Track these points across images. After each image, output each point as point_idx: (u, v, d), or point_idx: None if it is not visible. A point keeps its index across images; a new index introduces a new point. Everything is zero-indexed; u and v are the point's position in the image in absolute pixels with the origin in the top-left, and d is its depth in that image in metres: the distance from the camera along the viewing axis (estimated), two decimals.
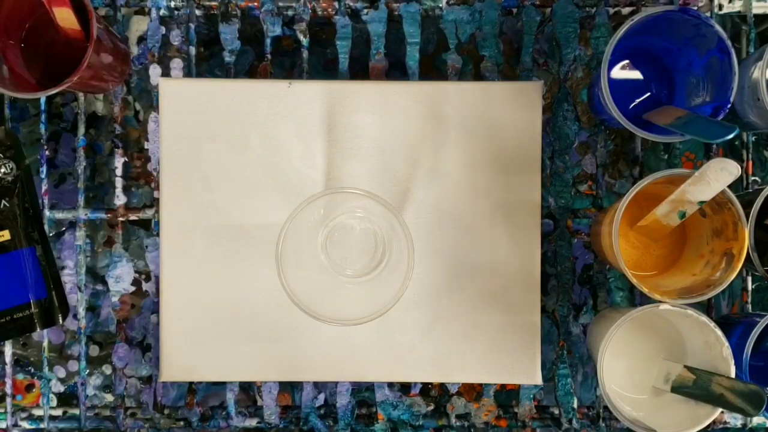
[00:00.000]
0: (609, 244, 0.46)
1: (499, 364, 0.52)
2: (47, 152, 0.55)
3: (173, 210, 0.52)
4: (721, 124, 0.42)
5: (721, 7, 0.55)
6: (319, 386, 0.56)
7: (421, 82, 0.53)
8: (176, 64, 0.55)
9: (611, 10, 0.54)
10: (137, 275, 0.56)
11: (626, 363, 0.49)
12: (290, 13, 0.55)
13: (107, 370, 0.59)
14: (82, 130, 0.55)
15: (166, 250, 0.52)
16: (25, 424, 0.55)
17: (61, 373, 0.59)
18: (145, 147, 0.54)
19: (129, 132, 0.58)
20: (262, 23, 0.55)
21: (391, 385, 0.55)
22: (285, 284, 0.44)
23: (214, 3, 0.54)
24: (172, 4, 0.54)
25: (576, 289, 0.57)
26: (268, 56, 0.55)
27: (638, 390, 0.48)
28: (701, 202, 0.44)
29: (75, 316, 0.55)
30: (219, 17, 0.55)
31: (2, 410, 0.55)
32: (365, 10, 0.54)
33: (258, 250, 0.52)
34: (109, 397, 0.59)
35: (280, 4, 0.54)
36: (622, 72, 0.52)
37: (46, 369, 0.55)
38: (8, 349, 0.55)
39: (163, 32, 0.55)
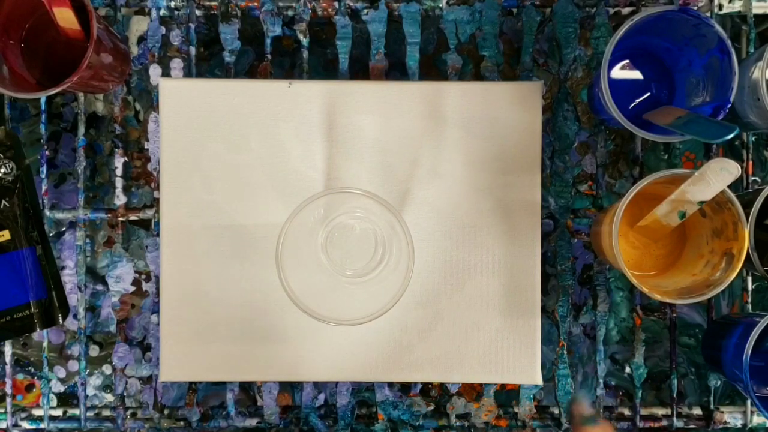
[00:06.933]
0: (609, 244, 0.46)
1: (499, 364, 0.52)
2: (47, 152, 0.55)
3: (173, 210, 0.52)
4: (721, 124, 0.42)
5: (721, 7, 0.55)
6: (319, 386, 0.56)
7: (421, 82, 0.53)
8: (176, 64, 0.55)
9: (611, 10, 0.54)
10: (137, 275, 0.56)
11: None
12: (290, 13, 0.55)
13: (107, 370, 0.59)
14: (82, 130, 0.55)
15: (166, 250, 0.52)
16: (25, 424, 0.55)
17: (61, 373, 0.59)
18: (145, 147, 0.54)
19: (129, 132, 0.58)
20: (262, 23, 0.55)
21: (391, 385, 0.55)
22: (285, 284, 0.44)
23: (214, 3, 0.54)
24: (172, 4, 0.54)
25: (576, 289, 0.57)
26: (268, 56, 0.55)
27: None
28: (701, 202, 0.44)
29: (75, 316, 0.55)
30: (219, 17, 0.55)
31: (2, 410, 0.55)
32: (365, 10, 0.54)
33: (258, 250, 0.52)
34: (109, 397, 0.59)
35: (280, 4, 0.54)
36: (622, 72, 0.52)
37: (46, 369, 0.55)
38: (8, 349, 0.55)
39: (163, 32, 0.55)
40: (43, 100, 0.55)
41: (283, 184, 0.52)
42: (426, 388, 0.56)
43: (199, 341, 0.52)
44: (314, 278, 0.48)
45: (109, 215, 0.55)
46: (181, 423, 0.55)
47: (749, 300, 0.55)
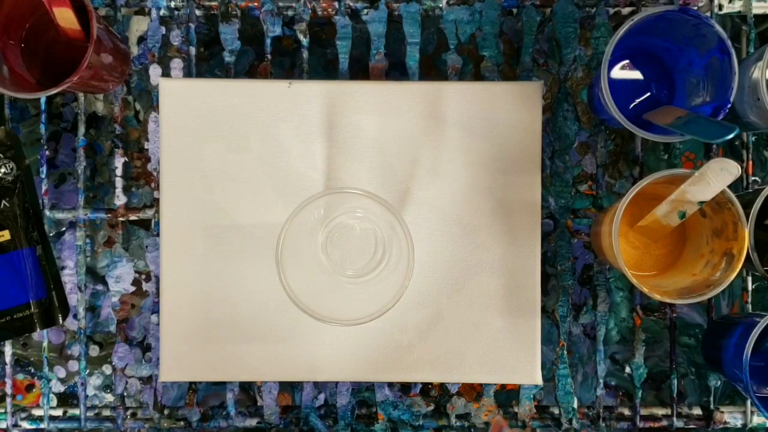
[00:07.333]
0: (609, 244, 0.46)
1: (499, 364, 0.52)
2: (47, 152, 0.55)
3: (173, 210, 0.52)
4: (721, 124, 0.42)
5: (721, 7, 0.55)
6: (319, 386, 0.56)
7: (421, 82, 0.53)
8: (176, 64, 0.55)
9: (611, 10, 0.54)
10: (137, 275, 0.56)
11: None
12: (290, 13, 0.55)
13: (107, 370, 0.59)
14: (82, 130, 0.55)
15: (166, 250, 0.52)
16: (25, 424, 0.55)
17: (61, 373, 0.59)
18: (145, 147, 0.54)
19: (129, 132, 0.58)
20: (262, 23, 0.55)
21: (391, 385, 0.55)
22: (285, 284, 0.44)
23: (214, 3, 0.54)
24: (172, 4, 0.54)
25: (576, 289, 0.57)
26: (268, 56, 0.55)
27: None
28: (701, 202, 0.44)
29: (75, 316, 0.55)
30: (219, 17, 0.55)
31: (2, 410, 0.55)
32: (365, 10, 0.54)
33: (258, 250, 0.52)
34: (109, 397, 0.59)
35: (280, 4, 0.54)
36: (622, 72, 0.52)
37: (46, 369, 0.55)
38: (8, 349, 0.55)
39: (163, 32, 0.55)
40: (43, 100, 0.55)
41: (283, 184, 0.52)
42: (426, 388, 0.56)
43: (199, 341, 0.52)
44: (314, 278, 0.48)
45: (109, 215, 0.55)
46: (181, 423, 0.55)
47: (749, 300, 0.55)
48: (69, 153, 0.59)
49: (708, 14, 0.54)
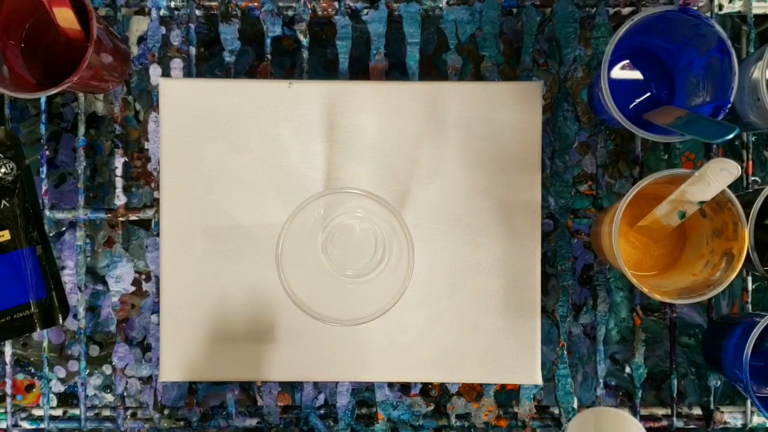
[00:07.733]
0: (609, 244, 0.46)
1: (499, 364, 0.52)
2: (47, 152, 0.55)
3: (173, 210, 0.52)
4: (721, 124, 0.42)
5: (721, 7, 0.55)
6: (319, 386, 0.56)
7: (421, 82, 0.53)
8: (176, 64, 0.55)
9: (611, 10, 0.54)
10: (137, 275, 0.56)
11: None
12: (290, 13, 0.55)
13: (107, 370, 0.59)
14: (82, 130, 0.55)
15: (166, 250, 0.52)
16: (25, 424, 0.55)
17: (61, 373, 0.59)
18: (145, 147, 0.54)
19: (129, 132, 0.58)
20: (262, 23, 0.55)
21: (391, 385, 0.55)
22: (285, 284, 0.44)
23: (214, 3, 0.54)
24: (172, 4, 0.54)
25: (576, 289, 0.57)
26: (268, 56, 0.55)
27: None
28: (701, 202, 0.44)
29: (75, 316, 0.55)
30: (219, 17, 0.55)
31: (2, 410, 0.55)
32: (365, 10, 0.54)
33: (258, 250, 0.52)
34: (109, 397, 0.59)
35: (280, 4, 0.55)
36: (622, 72, 0.52)
37: (46, 369, 0.55)
38: (8, 349, 0.55)
39: (163, 32, 0.55)
40: (43, 100, 0.55)
41: (283, 184, 0.52)
42: (426, 388, 0.56)
43: (199, 341, 0.52)
44: (314, 278, 0.48)
45: (109, 215, 0.55)
46: (181, 423, 0.55)
47: (749, 300, 0.55)
48: (69, 153, 0.59)
49: (708, 14, 0.54)
